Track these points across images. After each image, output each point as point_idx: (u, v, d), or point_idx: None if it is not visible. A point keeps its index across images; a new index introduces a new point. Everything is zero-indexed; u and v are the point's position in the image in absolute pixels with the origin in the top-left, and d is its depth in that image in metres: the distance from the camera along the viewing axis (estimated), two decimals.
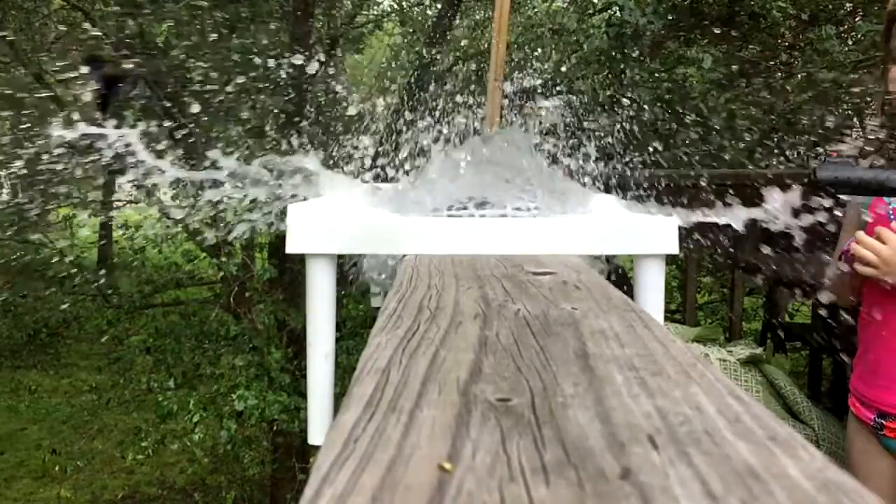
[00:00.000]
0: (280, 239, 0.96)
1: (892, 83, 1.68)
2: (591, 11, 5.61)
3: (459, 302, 0.69)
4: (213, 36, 5.08)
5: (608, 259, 1.07)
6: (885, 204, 1.71)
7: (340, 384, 1.01)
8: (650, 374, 0.47)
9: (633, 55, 4.94)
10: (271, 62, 5.21)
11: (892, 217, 1.68)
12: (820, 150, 6.03)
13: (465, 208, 1.08)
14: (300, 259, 0.96)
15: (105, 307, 5.35)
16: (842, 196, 1.73)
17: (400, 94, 6.31)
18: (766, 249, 3.58)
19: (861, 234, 1.60)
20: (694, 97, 4.60)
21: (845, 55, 5.04)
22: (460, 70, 6.84)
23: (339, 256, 0.98)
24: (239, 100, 5.49)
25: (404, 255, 0.95)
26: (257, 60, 5.02)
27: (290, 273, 4.84)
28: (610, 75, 5.17)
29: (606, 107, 5.65)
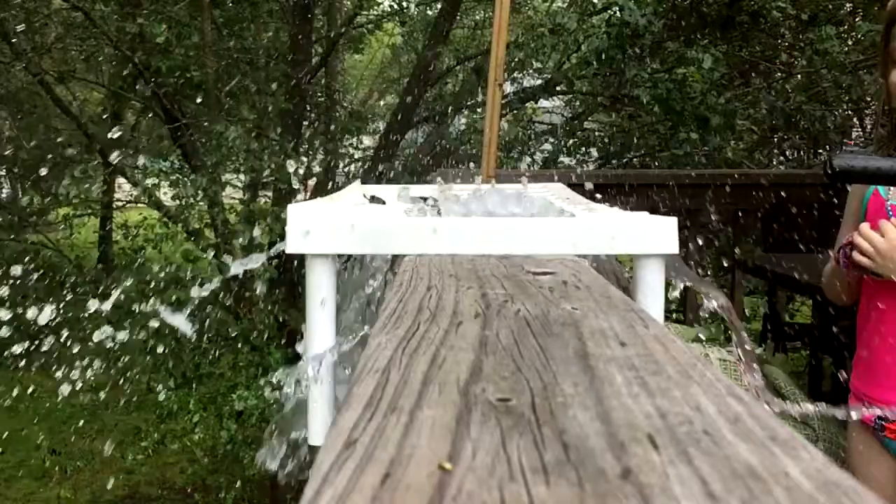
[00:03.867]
0: (280, 239, 0.96)
1: (892, 85, 1.68)
2: (591, 11, 5.61)
3: (459, 302, 0.69)
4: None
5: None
6: (884, 200, 1.71)
7: None
8: (650, 374, 0.47)
9: (633, 55, 4.94)
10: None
11: (891, 214, 1.68)
12: (820, 151, 6.04)
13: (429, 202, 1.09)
14: (300, 259, 0.96)
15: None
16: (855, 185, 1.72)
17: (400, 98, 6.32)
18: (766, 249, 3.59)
19: (864, 227, 1.60)
20: (694, 97, 4.60)
21: (845, 55, 5.04)
22: (460, 70, 6.85)
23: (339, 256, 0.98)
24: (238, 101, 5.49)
25: (404, 257, 0.95)
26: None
27: (289, 273, 4.85)
28: (610, 75, 5.17)
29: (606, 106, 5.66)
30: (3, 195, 6.85)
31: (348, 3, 7.58)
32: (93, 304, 1.14)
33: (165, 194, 5.97)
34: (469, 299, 0.70)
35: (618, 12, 4.78)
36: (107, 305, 1.12)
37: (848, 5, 5.69)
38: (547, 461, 0.35)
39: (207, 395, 4.63)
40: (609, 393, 0.44)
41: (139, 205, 7.20)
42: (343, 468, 0.35)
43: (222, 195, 5.19)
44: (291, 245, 0.93)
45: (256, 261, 1.07)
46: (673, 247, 0.94)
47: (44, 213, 5.99)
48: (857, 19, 5.42)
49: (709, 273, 5.31)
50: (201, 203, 5.26)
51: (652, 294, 0.95)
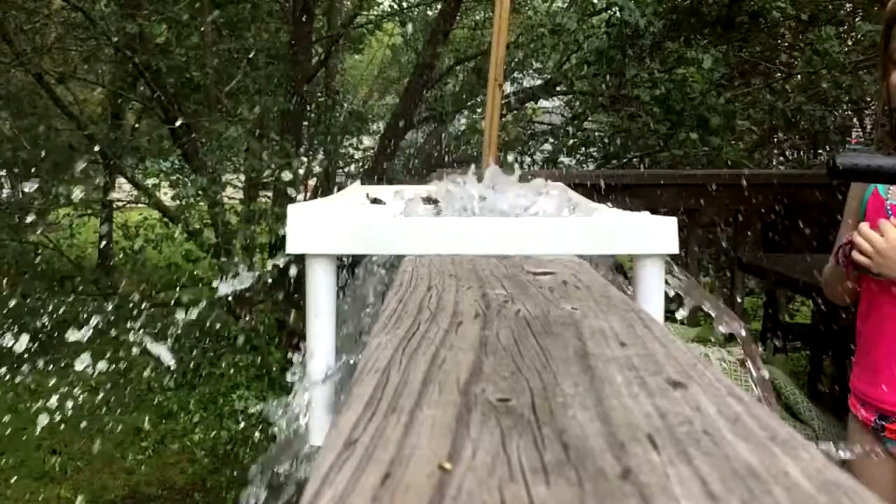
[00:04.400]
0: (280, 239, 0.96)
1: (893, 86, 1.68)
2: (591, 11, 5.61)
3: (459, 302, 0.69)
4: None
5: (625, 274, 1.07)
6: (884, 200, 1.70)
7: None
8: (650, 374, 0.47)
9: (633, 55, 4.94)
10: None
11: (890, 213, 1.68)
12: (820, 151, 6.03)
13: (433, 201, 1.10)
14: (300, 259, 0.96)
15: (105, 307, 5.35)
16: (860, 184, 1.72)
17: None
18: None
19: (863, 226, 1.60)
20: (694, 97, 4.60)
21: (845, 55, 5.04)
22: (460, 70, 6.85)
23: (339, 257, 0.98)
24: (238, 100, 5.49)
25: (404, 258, 0.95)
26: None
27: (289, 273, 4.84)
28: (610, 75, 5.17)
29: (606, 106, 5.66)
30: (4, 195, 6.85)
31: (348, 3, 7.57)
32: (72, 335, 1.14)
33: (165, 194, 5.97)
34: (469, 299, 0.70)
35: (618, 12, 4.78)
36: (84, 333, 1.12)
37: (848, 5, 5.70)
38: (547, 461, 0.35)
39: (207, 395, 4.64)
40: (609, 393, 0.44)
41: (139, 205, 7.20)
42: (343, 468, 0.35)
43: (222, 195, 5.19)
44: (291, 245, 0.93)
45: (246, 281, 1.07)
46: (673, 247, 0.94)
47: (44, 213, 5.99)
48: (857, 19, 5.43)
49: (709, 273, 5.32)
50: (201, 203, 5.26)
51: (652, 294, 0.95)
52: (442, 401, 0.43)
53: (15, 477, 5.62)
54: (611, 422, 0.40)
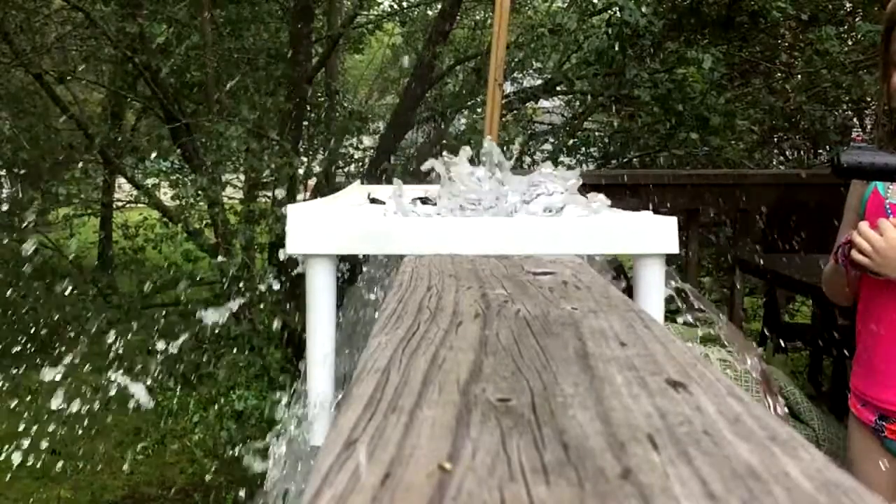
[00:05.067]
0: (281, 239, 0.96)
1: (893, 87, 1.67)
2: (591, 11, 5.61)
3: (459, 302, 0.69)
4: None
5: (625, 277, 1.07)
6: (883, 199, 1.70)
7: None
8: (650, 374, 0.47)
9: (633, 55, 4.94)
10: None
11: (889, 213, 1.67)
12: (820, 151, 6.03)
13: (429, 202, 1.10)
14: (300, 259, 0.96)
15: (105, 307, 5.35)
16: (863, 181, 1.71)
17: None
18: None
19: (863, 225, 1.60)
20: (694, 97, 4.60)
21: (845, 55, 5.04)
22: (460, 70, 6.85)
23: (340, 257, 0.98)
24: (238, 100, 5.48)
25: (404, 257, 0.95)
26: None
27: (290, 273, 4.83)
28: (610, 75, 5.17)
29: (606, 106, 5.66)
30: (4, 195, 6.86)
31: (348, 3, 7.57)
32: (48, 373, 1.15)
33: (165, 194, 5.97)
34: (469, 299, 0.70)
35: (618, 12, 4.77)
36: (57, 374, 1.14)
37: (848, 5, 5.70)
38: (547, 461, 0.35)
39: (207, 395, 4.64)
40: (609, 393, 0.44)
41: (139, 205, 7.20)
42: (343, 468, 0.35)
43: (222, 195, 5.19)
44: (291, 245, 0.93)
45: (233, 306, 1.08)
46: (673, 247, 0.94)
47: (44, 213, 5.99)
48: (857, 19, 5.43)
49: (709, 273, 5.31)
50: (201, 203, 5.26)
51: (652, 294, 0.95)
52: (442, 401, 0.43)
53: (15, 477, 5.62)
54: (611, 422, 0.40)
